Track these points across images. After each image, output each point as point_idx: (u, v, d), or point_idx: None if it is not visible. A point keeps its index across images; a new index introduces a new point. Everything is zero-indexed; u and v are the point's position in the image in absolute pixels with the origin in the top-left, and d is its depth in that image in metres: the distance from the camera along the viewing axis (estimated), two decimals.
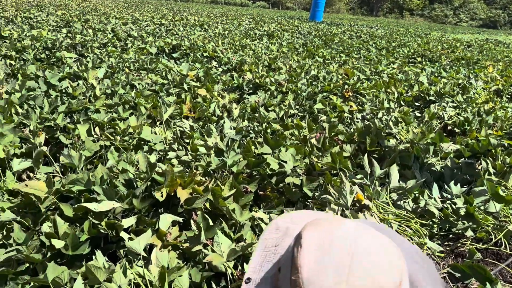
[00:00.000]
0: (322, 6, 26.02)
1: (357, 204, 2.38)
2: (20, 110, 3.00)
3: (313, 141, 3.26)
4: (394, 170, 2.67)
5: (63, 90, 3.76)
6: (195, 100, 3.99)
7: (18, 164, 2.28)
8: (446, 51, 12.02)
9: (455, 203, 2.37)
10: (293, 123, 3.53)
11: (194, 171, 2.29)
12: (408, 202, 2.63)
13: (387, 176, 2.73)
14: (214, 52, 7.08)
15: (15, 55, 5.19)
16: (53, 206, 2.06)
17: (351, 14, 67.59)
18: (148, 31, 9.39)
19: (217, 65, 6.28)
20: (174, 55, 6.55)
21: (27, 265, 1.80)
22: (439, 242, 2.41)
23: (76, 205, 1.90)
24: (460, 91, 5.89)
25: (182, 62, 6.19)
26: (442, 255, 2.24)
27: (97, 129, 2.90)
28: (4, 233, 1.84)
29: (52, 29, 7.99)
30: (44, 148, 2.76)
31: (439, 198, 2.61)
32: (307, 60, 7.60)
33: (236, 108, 4.07)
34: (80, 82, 4.03)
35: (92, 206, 1.90)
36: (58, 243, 1.75)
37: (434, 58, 9.81)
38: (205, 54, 6.85)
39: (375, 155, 3.26)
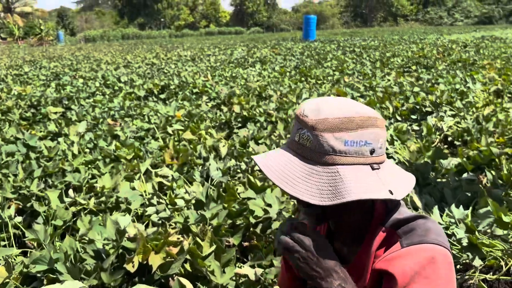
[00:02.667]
0: (314, 25, 26.18)
1: None
2: None
3: None
4: None
5: (42, 152, 3.65)
6: (180, 144, 3.84)
7: None
8: (441, 55, 11.87)
9: (453, 235, 2.15)
10: None
11: (169, 231, 2.11)
12: None
13: None
14: (204, 87, 7.00)
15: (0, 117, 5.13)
16: None
17: (346, 28, 68.09)
18: (139, 73, 9.39)
19: (207, 100, 6.18)
20: (162, 96, 6.48)
21: None
22: None
23: None
24: (458, 97, 5.69)
25: (172, 102, 6.10)
26: None
27: (70, 191, 2.76)
28: None
29: (42, 83, 8.00)
30: (18, 219, 2.61)
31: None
32: (299, 83, 7.48)
33: (224, 146, 3.91)
34: (61, 139, 3.92)
35: None
36: None
37: (429, 64, 9.64)
38: (194, 90, 6.77)
39: None
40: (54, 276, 1.85)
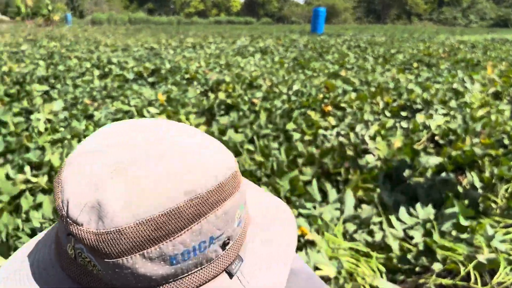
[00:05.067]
0: (322, 18, 25.88)
1: (301, 239, 2.07)
2: None
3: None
4: (349, 195, 2.34)
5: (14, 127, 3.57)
6: None
7: None
8: (446, 54, 11.64)
9: (412, 237, 2.03)
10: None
11: None
12: (370, 233, 2.30)
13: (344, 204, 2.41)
14: (196, 73, 6.88)
15: None
16: None
17: (358, 23, 67.48)
18: (135, 56, 9.28)
19: (197, 87, 6.06)
20: (151, 79, 6.36)
21: None
22: (403, 277, 2.08)
23: None
24: (453, 97, 5.54)
25: (161, 86, 5.99)
26: None
27: (27, 168, 2.67)
28: None
29: (35, 62, 7.92)
30: None
31: (401, 224, 2.28)
32: (293, 74, 7.33)
33: None
34: (33, 116, 3.83)
35: None
36: None
37: (431, 62, 9.44)
38: (186, 76, 6.65)
39: (338, 178, 2.94)
40: None
